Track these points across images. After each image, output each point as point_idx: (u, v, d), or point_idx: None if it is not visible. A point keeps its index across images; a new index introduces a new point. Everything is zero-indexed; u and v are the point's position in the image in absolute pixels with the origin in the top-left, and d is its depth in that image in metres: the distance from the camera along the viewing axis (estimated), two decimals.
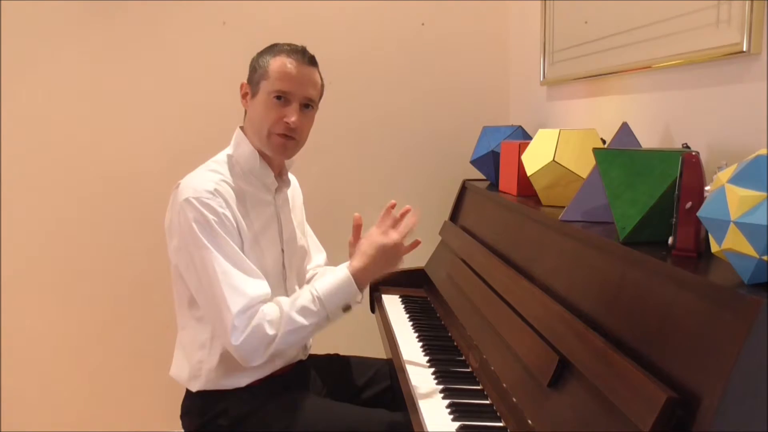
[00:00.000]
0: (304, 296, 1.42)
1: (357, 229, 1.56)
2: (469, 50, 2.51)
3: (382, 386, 1.71)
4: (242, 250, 1.44)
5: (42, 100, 2.29)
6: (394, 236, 1.46)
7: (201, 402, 1.50)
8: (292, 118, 1.47)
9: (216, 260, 1.38)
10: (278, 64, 1.48)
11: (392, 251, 1.47)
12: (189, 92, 2.35)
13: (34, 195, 2.32)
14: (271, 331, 1.37)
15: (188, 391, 1.54)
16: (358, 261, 1.46)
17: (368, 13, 2.43)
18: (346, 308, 1.46)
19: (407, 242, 1.50)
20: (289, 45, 1.52)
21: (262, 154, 1.53)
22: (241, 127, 1.57)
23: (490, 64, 2.54)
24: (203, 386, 1.49)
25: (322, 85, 1.57)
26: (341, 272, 1.46)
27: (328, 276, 1.47)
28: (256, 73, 1.51)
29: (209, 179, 1.46)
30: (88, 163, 2.33)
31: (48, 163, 2.31)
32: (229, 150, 1.55)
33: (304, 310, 1.40)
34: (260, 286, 1.41)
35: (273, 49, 1.52)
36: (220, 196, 1.43)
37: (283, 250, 1.59)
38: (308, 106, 1.52)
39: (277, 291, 1.56)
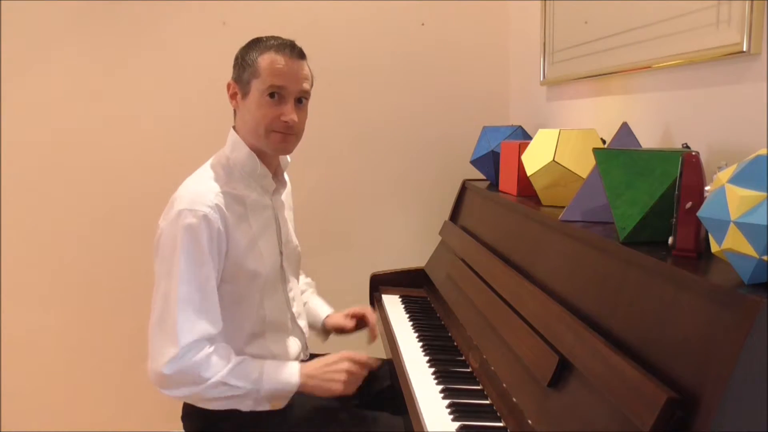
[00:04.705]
0: (253, 366, 1.42)
1: (357, 316, 1.71)
2: (469, 50, 2.51)
3: (382, 386, 1.71)
4: (224, 269, 1.42)
5: (42, 100, 2.29)
6: (346, 366, 1.47)
7: None
8: (291, 116, 1.44)
9: (184, 283, 1.36)
10: (268, 61, 1.43)
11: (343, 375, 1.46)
12: (189, 92, 2.35)
13: (34, 195, 2.32)
14: (207, 374, 1.36)
15: None
16: (308, 368, 1.46)
17: (368, 13, 2.43)
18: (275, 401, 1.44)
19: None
20: (274, 39, 1.47)
21: (259, 155, 1.50)
22: (234, 127, 1.53)
23: (490, 64, 2.54)
24: None
25: (313, 76, 1.54)
26: (294, 378, 1.44)
27: (280, 371, 1.45)
28: (244, 72, 1.46)
29: (209, 189, 1.42)
30: (88, 163, 2.33)
31: (48, 163, 2.31)
32: (226, 152, 1.51)
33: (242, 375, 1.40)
34: (212, 324, 1.39)
35: (259, 45, 1.46)
36: (218, 211, 1.40)
37: (281, 252, 1.58)
38: (302, 99, 1.50)
39: (277, 293, 1.56)
